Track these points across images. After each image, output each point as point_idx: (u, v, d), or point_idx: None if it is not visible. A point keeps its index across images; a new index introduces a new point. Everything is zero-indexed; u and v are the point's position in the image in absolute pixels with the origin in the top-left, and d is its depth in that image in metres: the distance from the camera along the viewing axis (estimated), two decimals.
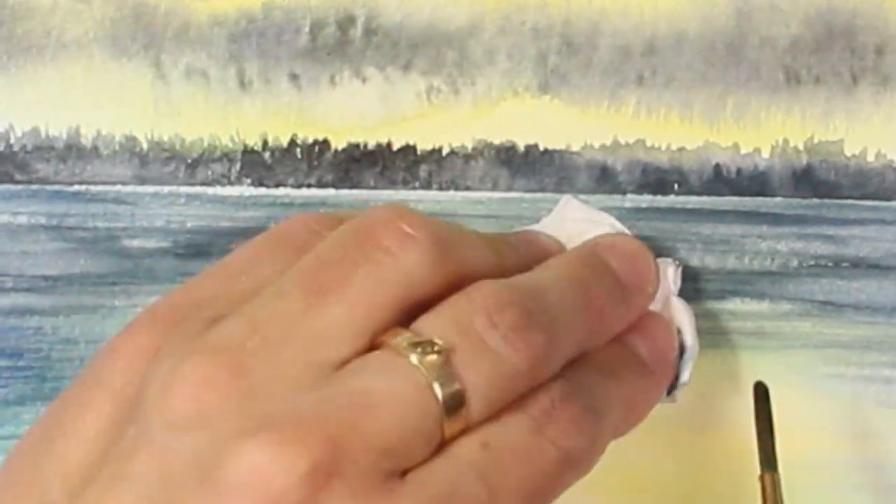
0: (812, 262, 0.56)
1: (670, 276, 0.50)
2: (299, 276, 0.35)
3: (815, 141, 0.55)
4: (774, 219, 0.56)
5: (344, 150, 0.56)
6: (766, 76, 0.55)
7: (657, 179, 0.56)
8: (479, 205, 0.56)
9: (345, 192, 0.56)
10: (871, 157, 0.55)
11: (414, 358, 0.32)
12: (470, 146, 0.56)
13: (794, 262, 0.56)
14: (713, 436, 0.55)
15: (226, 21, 0.55)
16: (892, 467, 0.55)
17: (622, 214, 0.56)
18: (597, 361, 0.42)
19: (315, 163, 0.56)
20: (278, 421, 0.30)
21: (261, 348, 0.32)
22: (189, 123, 0.55)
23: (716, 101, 0.55)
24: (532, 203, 0.56)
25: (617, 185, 0.56)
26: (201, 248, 0.56)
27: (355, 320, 0.34)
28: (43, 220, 0.55)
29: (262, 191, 0.56)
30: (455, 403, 0.33)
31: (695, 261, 0.56)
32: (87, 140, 0.55)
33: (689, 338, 0.49)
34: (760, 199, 0.56)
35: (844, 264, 0.56)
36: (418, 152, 0.56)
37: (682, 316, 0.49)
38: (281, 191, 0.56)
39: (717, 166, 0.55)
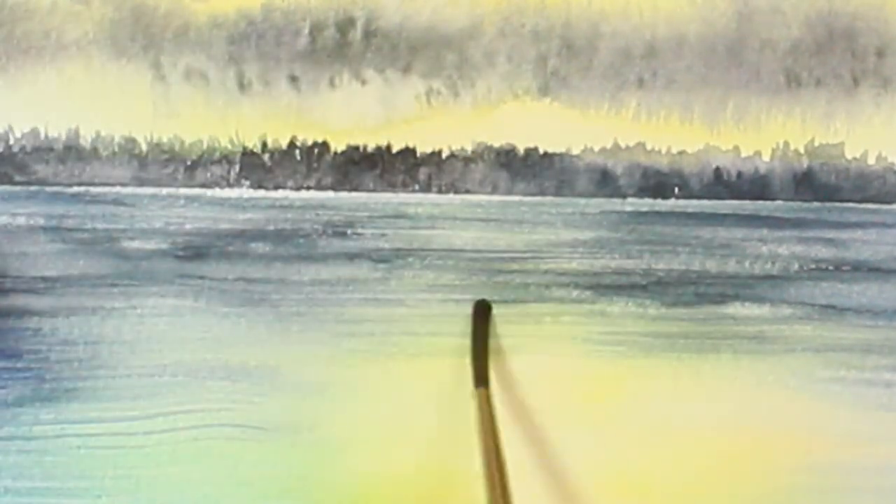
0: (813, 266, 0.56)
1: None
2: None
3: (816, 144, 0.55)
4: (775, 222, 0.55)
5: (343, 153, 0.56)
6: (767, 79, 0.55)
7: (657, 183, 0.56)
8: (478, 208, 0.56)
9: (344, 195, 0.56)
10: (871, 160, 0.55)
11: None
12: (470, 149, 0.56)
13: (795, 266, 0.56)
14: (717, 436, 0.55)
15: (225, 23, 0.55)
16: (892, 470, 0.55)
17: (622, 218, 0.56)
18: None
19: (314, 165, 0.56)
20: None
21: None
22: (188, 125, 0.55)
23: (716, 103, 0.55)
24: (532, 206, 0.56)
25: (617, 189, 0.56)
26: (200, 249, 0.55)
27: None
28: (42, 222, 0.55)
29: (262, 193, 0.56)
30: None
31: (695, 265, 0.56)
32: (86, 141, 0.55)
33: None
34: (761, 202, 0.56)
35: (845, 268, 0.55)
36: (418, 155, 0.56)
37: None
38: (280, 193, 0.56)
39: (718, 169, 0.55)
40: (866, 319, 0.55)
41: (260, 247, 0.56)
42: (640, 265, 0.56)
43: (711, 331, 0.55)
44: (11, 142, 0.55)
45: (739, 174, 0.55)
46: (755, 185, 0.55)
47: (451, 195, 0.55)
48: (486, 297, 0.55)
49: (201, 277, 0.55)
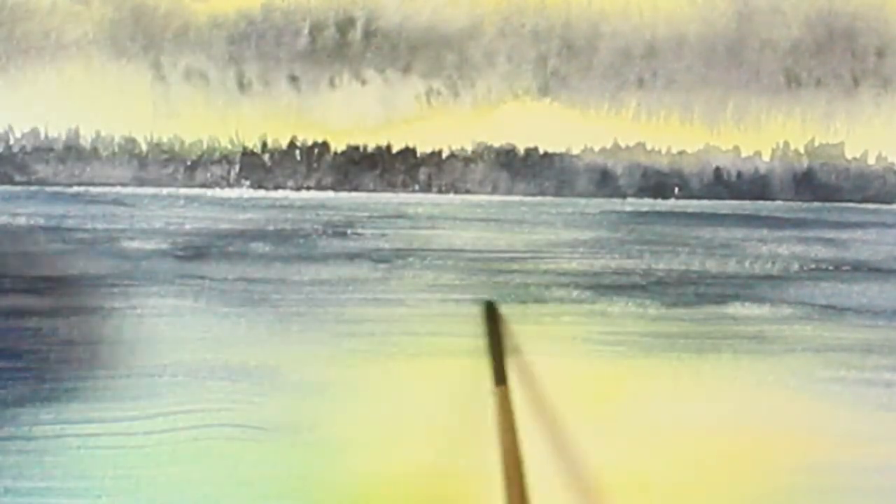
0: (813, 266, 0.56)
1: None
2: None
3: (816, 144, 0.55)
4: (775, 222, 0.56)
5: (343, 153, 0.56)
6: (767, 79, 0.55)
7: (657, 183, 0.56)
8: (478, 208, 0.56)
9: (344, 195, 0.56)
10: (871, 160, 0.55)
11: None
12: (470, 149, 0.56)
13: (795, 266, 0.56)
14: (718, 436, 0.55)
15: (225, 23, 0.55)
16: (892, 470, 0.55)
17: (622, 218, 0.56)
18: None
19: (314, 165, 0.56)
20: None
21: None
22: (188, 125, 0.55)
23: (716, 103, 0.55)
24: (532, 206, 0.56)
25: (617, 189, 0.56)
26: (200, 249, 0.55)
27: None
28: (42, 222, 0.55)
29: (262, 193, 0.56)
30: None
31: (695, 265, 0.56)
32: (86, 141, 0.55)
33: None
34: (761, 202, 0.56)
35: (845, 268, 0.55)
36: (418, 155, 0.56)
37: None
38: (280, 193, 0.56)
39: (718, 169, 0.55)
40: (866, 319, 0.55)
41: (260, 247, 0.56)
42: (641, 265, 0.56)
43: (711, 331, 0.56)
44: (11, 142, 0.55)
45: (739, 174, 0.55)
46: (755, 185, 0.55)
47: (451, 195, 0.55)
48: (487, 296, 0.55)
49: (201, 277, 0.55)
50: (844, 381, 0.55)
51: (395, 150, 0.56)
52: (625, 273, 0.56)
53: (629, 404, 0.55)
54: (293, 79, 0.55)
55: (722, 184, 0.55)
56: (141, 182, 0.55)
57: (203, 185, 0.56)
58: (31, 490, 0.55)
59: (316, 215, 0.55)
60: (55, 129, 0.55)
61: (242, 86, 0.55)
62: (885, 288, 0.55)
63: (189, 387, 0.55)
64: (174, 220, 0.55)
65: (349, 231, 0.55)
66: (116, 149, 0.55)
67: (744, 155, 0.55)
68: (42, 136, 0.55)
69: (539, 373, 0.55)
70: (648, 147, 0.55)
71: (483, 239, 0.56)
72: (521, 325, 0.56)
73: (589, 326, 0.55)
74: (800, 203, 0.55)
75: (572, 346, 0.55)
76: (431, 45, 0.55)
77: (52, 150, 0.55)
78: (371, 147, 0.56)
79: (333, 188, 0.56)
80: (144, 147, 0.55)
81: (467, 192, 0.56)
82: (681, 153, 0.55)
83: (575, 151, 0.55)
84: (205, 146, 0.55)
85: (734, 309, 0.56)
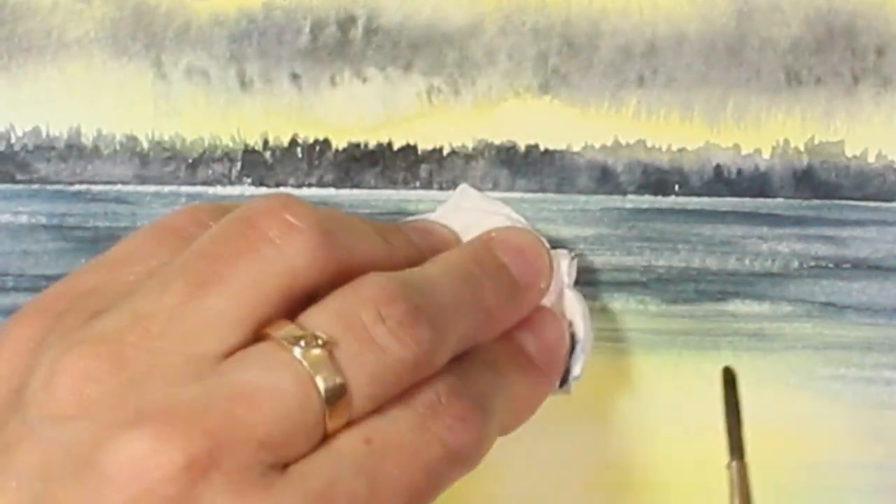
0: (813, 264, 0.56)
1: (564, 268, 0.49)
2: (182, 268, 0.35)
3: (816, 142, 0.55)
4: (775, 220, 0.56)
5: (344, 150, 0.56)
6: (767, 77, 0.55)
7: (658, 180, 0.56)
8: None
9: (345, 192, 0.56)
10: (871, 158, 0.55)
11: (297, 351, 0.32)
12: (470, 146, 0.56)
13: (795, 264, 0.56)
14: (717, 434, 0.55)
15: (226, 21, 0.55)
16: (893, 469, 0.55)
17: (623, 215, 0.56)
18: (485, 357, 0.42)
19: (316, 162, 0.56)
20: (157, 413, 0.30)
21: (142, 340, 0.32)
22: (190, 123, 0.55)
23: (716, 101, 0.55)
24: (532, 203, 0.56)
25: (617, 186, 0.56)
26: None
27: (236, 312, 0.33)
28: (44, 220, 0.55)
29: (263, 190, 0.56)
30: (337, 397, 0.33)
31: (696, 262, 0.56)
32: (87, 140, 0.55)
33: (581, 331, 0.49)
34: (761, 200, 0.56)
35: (845, 265, 0.56)
36: (419, 152, 0.56)
37: (576, 308, 0.49)
38: (281, 190, 0.56)
39: (718, 167, 0.55)
40: (866, 317, 0.55)
41: None
42: (641, 262, 0.56)
43: (711, 328, 0.56)
44: (13, 140, 0.55)
45: (739, 172, 0.55)
46: (755, 183, 0.55)
47: (452, 192, 0.56)
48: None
49: None
50: (844, 378, 0.55)
51: (396, 147, 0.56)
52: (625, 270, 0.56)
53: (629, 401, 0.55)
54: (294, 77, 0.55)
55: (722, 181, 0.55)
56: (142, 180, 0.55)
57: (205, 183, 0.56)
58: None
59: None
60: (56, 128, 0.55)
61: (244, 84, 0.55)
62: (886, 286, 0.55)
63: None
64: None
65: None
66: (118, 147, 0.55)
67: (744, 152, 0.55)
68: (43, 134, 0.55)
69: None
70: (649, 144, 0.55)
71: None
72: None
73: None
74: (800, 201, 0.55)
75: None
76: (432, 43, 0.55)
77: (53, 148, 0.55)
78: (372, 144, 0.56)
79: (335, 185, 0.56)
80: (146, 145, 0.55)
81: None
82: (681, 151, 0.55)
83: (575, 149, 0.56)
84: (206, 144, 0.55)
85: (734, 306, 0.56)
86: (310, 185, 0.56)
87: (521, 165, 0.56)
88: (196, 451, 0.29)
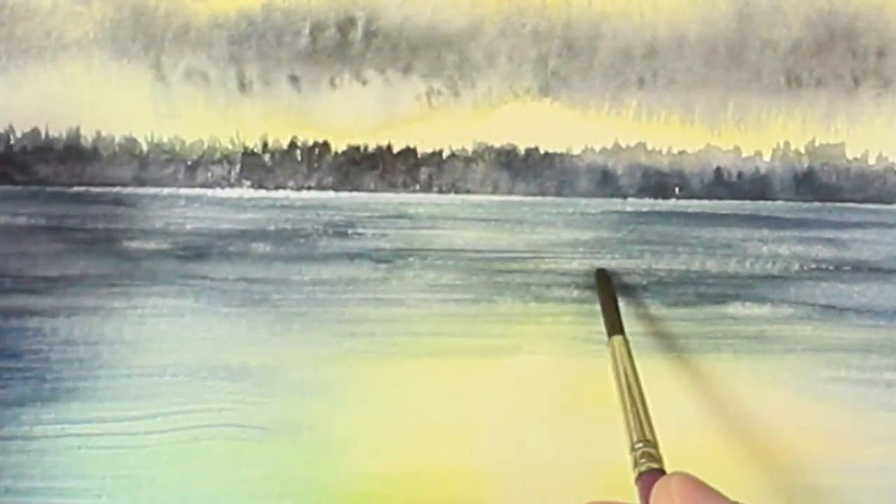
0: (813, 266, 0.56)
1: None
2: None
3: (817, 144, 0.55)
4: (776, 222, 0.56)
5: (344, 153, 0.56)
6: (768, 79, 0.55)
7: (658, 183, 0.56)
8: (479, 208, 0.56)
9: (345, 195, 0.56)
10: (872, 161, 0.55)
11: None
12: (470, 149, 0.56)
13: (796, 266, 0.56)
14: (717, 436, 0.55)
15: (226, 23, 0.55)
16: (892, 470, 0.55)
17: (623, 218, 0.56)
18: None
19: (315, 165, 0.56)
20: None
21: None
22: (189, 125, 0.55)
23: (717, 103, 0.55)
24: (532, 206, 0.56)
25: (618, 189, 0.56)
26: (201, 249, 0.55)
27: None
28: (43, 222, 0.55)
29: (262, 193, 0.56)
30: None
31: (696, 265, 0.56)
32: (86, 141, 0.55)
33: None
34: (762, 202, 0.56)
35: (846, 268, 0.55)
36: (418, 155, 0.56)
37: None
38: (281, 193, 0.56)
39: (718, 170, 0.55)
40: (867, 319, 0.55)
41: (261, 247, 0.56)
42: (641, 265, 0.56)
43: (712, 331, 0.56)
44: (12, 142, 0.55)
45: (740, 174, 0.55)
46: (756, 185, 0.55)
47: (451, 195, 0.55)
48: (488, 296, 0.55)
49: (202, 277, 0.55)
50: (845, 381, 0.55)
51: (395, 150, 0.56)
52: (625, 273, 0.56)
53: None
54: (294, 79, 0.55)
55: (722, 184, 0.55)
56: (141, 182, 0.55)
57: (204, 185, 0.56)
58: (32, 490, 0.55)
59: (317, 215, 0.55)
60: (56, 129, 0.55)
61: (243, 86, 0.55)
62: (886, 288, 0.55)
63: (189, 387, 0.55)
64: (175, 220, 0.55)
65: (350, 231, 0.55)
66: (117, 149, 0.55)
67: (744, 155, 0.55)
68: (43, 135, 0.55)
69: (538, 372, 0.55)
70: (649, 147, 0.55)
71: (484, 239, 0.56)
72: (521, 324, 0.56)
73: (589, 326, 0.55)
74: (800, 203, 0.55)
75: (572, 345, 0.55)
76: (432, 45, 0.55)
77: (52, 149, 0.55)
78: (372, 147, 0.56)
79: (334, 188, 0.56)
80: (145, 147, 0.55)
81: (468, 191, 0.56)
82: (681, 153, 0.55)
83: (576, 151, 0.55)
84: (205, 146, 0.55)
85: (735, 309, 0.56)
86: (309, 188, 0.56)
87: (521, 168, 0.56)
88: None
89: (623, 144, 0.55)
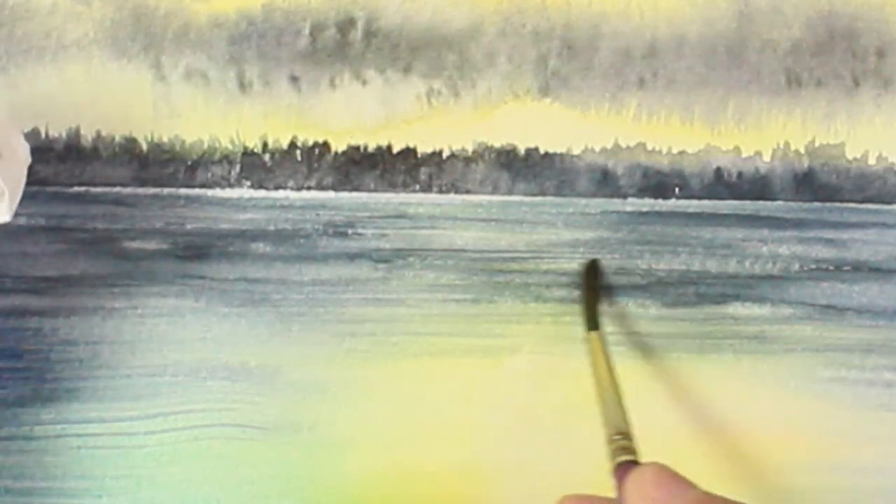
0: (813, 266, 0.56)
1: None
2: None
3: (817, 144, 0.55)
4: (776, 222, 0.56)
5: (344, 153, 0.56)
6: (768, 79, 0.55)
7: (658, 183, 0.56)
8: (479, 208, 0.56)
9: (345, 195, 0.56)
10: (872, 161, 0.55)
11: None
12: (470, 149, 0.56)
13: (796, 266, 0.56)
14: (717, 436, 0.55)
15: (226, 23, 0.55)
16: (893, 470, 0.55)
17: (623, 218, 0.56)
18: None
19: (315, 165, 0.56)
20: None
21: None
22: (189, 125, 0.55)
23: (717, 103, 0.55)
24: (532, 206, 0.56)
25: (618, 189, 0.56)
26: (201, 250, 0.55)
27: None
28: (42, 222, 0.55)
29: (262, 193, 0.56)
30: None
31: (696, 265, 0.56)
32: (86, 141, 0.55)
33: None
34: (761, 202, 0.56)
35: (846, 268, 0.55)
36: (418, 155, 0.56)
37: None
38: (281, 193, 0.56)
39: (718, 170, 0.55)
40: (867, 319, 0.55)
41: (261, 247, 0.56)
42: (641, 265, 0.56)
43: (712, 331, 0.56)
44: None
45: (740, 174, 0.55)
46: (756, 186, 0.55)
47: (451, 195, 0.55)
48: (488, 296, 0.55)
49: (202, 277, 0.55)
50: (845, 381, 0.55)
51: (395, 150, 0.56)
52: (625, 273, 0.56)
53: (629, 403, 0.55)
54: (294, 79, 0.55)
55: (722, 184, 0.55)
56: (141, 182, 0.55)
57: (203, 185, 0.55)
58: (31, 490, 0.55)
59: (316, 215, 0.55)
60: (56, 129, 0.55)
61: (243, 86, 0.55)
62: (886, 288, 0.55)
63: (189, 387, 0.55)
64: (175, 219, 0.55)
65: (350, 231, 0.55)
66: (117, 149, 0.55)
67: (744, 155, 0.55)
68: (43, 136, 0.55)
69: (538, 372, 0.55)
70: (649, 147, 0.55)
71: (484, 239, 0.56)
72: (521, 324, 0.56)
73: None
74: (800, 203, 0.55)
75: (572, 346, 0.55)
76: (432, 45, 0.55)
77: (52, 150, 0.55)
78: (372, 147, 0.56)
79: (334, 188, 0.56)
80: (145, 147, 0.55)
81: (468, 191, 0.56)
82: (681, 153, 0.55)
83: (575, 151, 0.55)
84: (205, 146, 0.55)
85: (735, 309, 0.56)
86: (309, 188, 0.56)
87: (520, 168, 0.56)
88: None
89: (623, 144, 0.55)
